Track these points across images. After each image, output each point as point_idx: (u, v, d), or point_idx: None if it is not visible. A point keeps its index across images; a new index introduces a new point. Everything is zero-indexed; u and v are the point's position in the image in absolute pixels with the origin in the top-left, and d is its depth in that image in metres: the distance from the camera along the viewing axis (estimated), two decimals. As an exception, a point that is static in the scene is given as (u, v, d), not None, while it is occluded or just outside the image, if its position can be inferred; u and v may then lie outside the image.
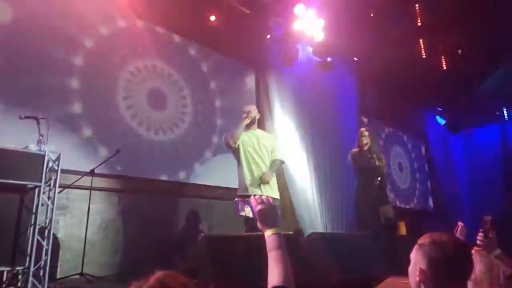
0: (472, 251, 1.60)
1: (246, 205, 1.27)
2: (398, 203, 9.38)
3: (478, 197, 10.14)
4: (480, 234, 1.99)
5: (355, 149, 4.84)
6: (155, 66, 5.70)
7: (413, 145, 10.75)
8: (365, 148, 4.73)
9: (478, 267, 1.63)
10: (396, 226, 4.43)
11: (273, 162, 4.06)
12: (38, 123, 3.42)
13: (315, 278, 2.32)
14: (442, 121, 10.90)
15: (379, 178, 4.64)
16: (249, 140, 4.08)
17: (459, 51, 7.09)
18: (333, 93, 6.94)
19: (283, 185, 6.61)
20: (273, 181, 4.05)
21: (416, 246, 1.35)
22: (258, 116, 4.22)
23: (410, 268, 1.34)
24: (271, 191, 3.95)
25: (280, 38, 6.21)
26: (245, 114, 4.07)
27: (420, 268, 1.27)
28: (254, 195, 1.35)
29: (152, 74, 5.65)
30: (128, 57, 5.42)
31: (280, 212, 6.45)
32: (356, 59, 7.38)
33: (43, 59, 4.58)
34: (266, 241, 1.20)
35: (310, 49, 6.71)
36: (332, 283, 2.38)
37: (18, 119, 3.46)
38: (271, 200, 1.30)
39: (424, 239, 1.34)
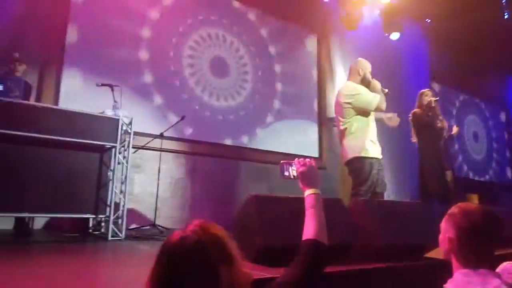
0: None
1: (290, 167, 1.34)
2: (471, 175, 8.85)
3: None
4: None
5: (416, 109, 4.51)
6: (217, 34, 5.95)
7: (491, 113, 9.92)
8: (433, 104, 4.35)
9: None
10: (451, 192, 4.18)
11: None
12: (112, 90, 3.79)
13: (361, 242, 2.39)
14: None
15: (442, 141, 4.36)
16: None
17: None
18: (402, 57, 6.61)
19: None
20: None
21: (446, 216, 1.37)
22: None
23: (440, 237, 1.37)
24: None
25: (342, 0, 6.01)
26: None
27: (449, 237, 1.31)
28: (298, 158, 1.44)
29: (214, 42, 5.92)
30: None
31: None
32: (428, 21, 6.89)
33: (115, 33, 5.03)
34: (305, 200, 1.31)
35: (377, 12, 6.39)
36: (377, 248, 2.43)
37: (95, 87, 3.86)
38: (313, 163, 1.39)
39: (453, 209, 1.36)
